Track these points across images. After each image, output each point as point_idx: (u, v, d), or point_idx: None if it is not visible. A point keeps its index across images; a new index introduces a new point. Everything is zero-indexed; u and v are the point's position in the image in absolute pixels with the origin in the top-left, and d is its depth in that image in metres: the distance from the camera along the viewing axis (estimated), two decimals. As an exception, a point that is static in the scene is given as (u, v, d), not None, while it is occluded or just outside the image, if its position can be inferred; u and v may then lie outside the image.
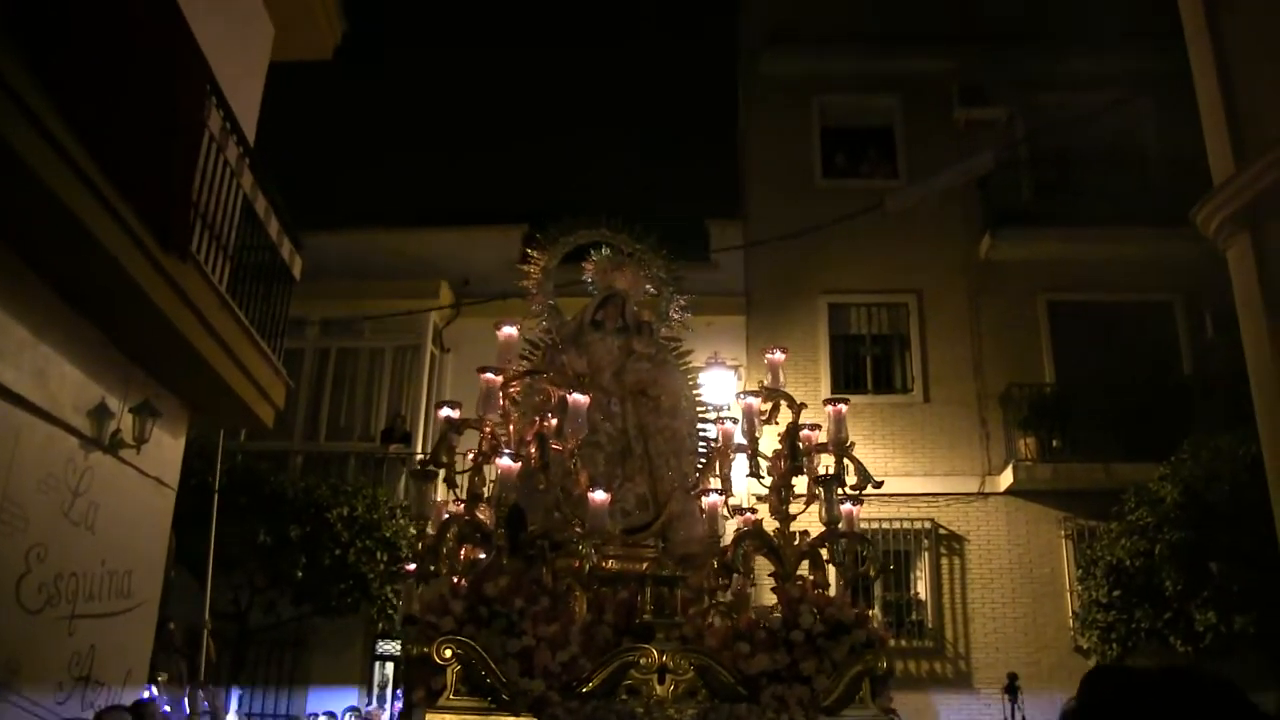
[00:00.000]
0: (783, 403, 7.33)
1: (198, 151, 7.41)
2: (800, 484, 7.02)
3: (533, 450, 6.92)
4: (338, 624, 13.84)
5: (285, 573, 12.52)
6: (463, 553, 6.71)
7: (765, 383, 7.54)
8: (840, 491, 6.83)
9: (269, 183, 9.07)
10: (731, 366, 8.19)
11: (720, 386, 8.07)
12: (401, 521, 12.92)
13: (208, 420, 9.57)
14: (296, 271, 9.94)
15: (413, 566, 7.02)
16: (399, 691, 9.99)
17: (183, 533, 9.79)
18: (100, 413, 7.51)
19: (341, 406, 16.26)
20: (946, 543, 15.47)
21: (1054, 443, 15.37)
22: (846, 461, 6.94)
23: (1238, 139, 8.89)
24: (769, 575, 6.87)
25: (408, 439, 15.41)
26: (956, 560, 15.38)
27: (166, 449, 8.69)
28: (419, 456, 12.73)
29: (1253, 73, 8.89)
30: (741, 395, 7.42)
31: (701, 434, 7.87)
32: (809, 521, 6.93)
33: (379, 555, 12.92)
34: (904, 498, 15.38)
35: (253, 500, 12.46)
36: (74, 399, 7.22)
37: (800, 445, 7.08)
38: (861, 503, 6.99)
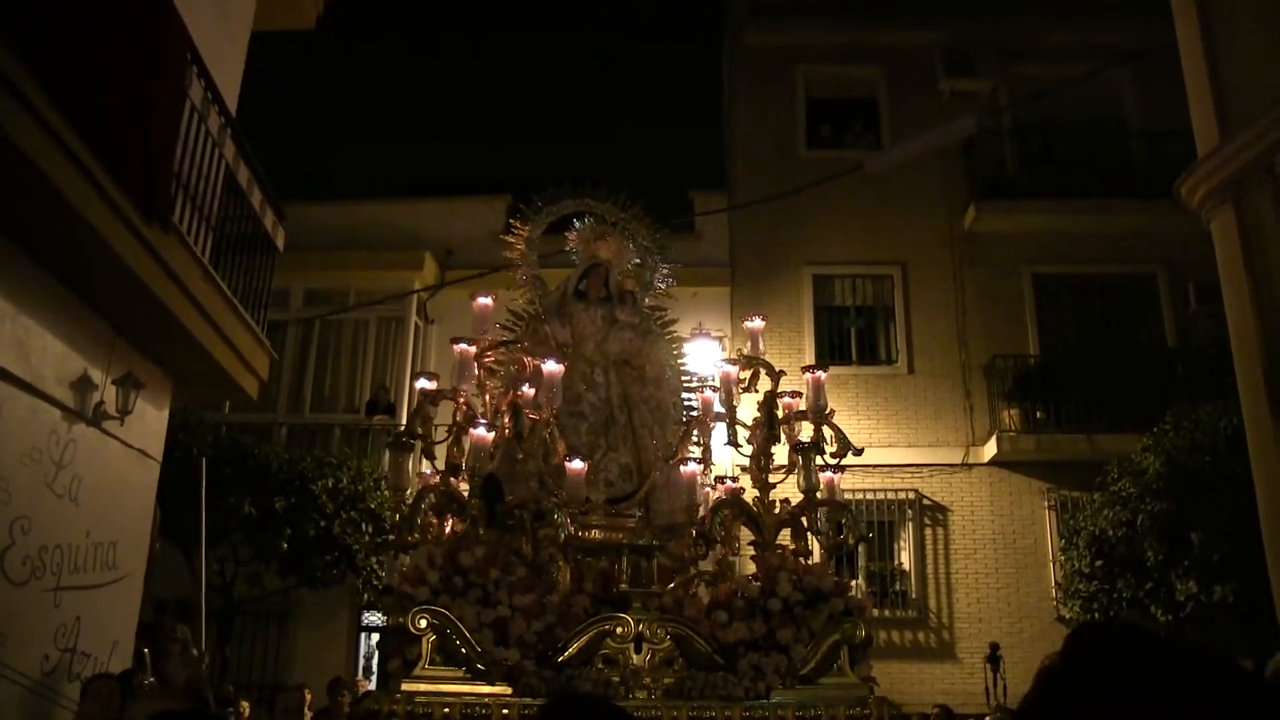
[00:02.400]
0: (762, 371, 7.33)
1: (179, 122, 7.36)
2: (782, 453, 7.03)
3: (507, 420, 6.92)
4: (323, 596, 13.85)
5: (270, 545, 12.50)
6: (449, 525, 6.71)
7: (744, 350, 7.53)
8: (820, 460, 6.83)
9: (251, 153, 9.01)
10: (716, 337, 8.19)
11: (705, 357, 8.07)
12: (386, 493, 12.91)
13: (191, 392, 9.54)
14: (280, 242, 9.90)
15: (394, 537, 7.02)
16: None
17: (167, 505, 9.77)
18: (83, 385, 7.49)
19: (326, 378, 16.24)
20: (930, 513, 15.55)
21: (1038, 414, 15.44)
22: (826, 430, 6.94)
23: (1223, 111, 8.89)
24: (749, 544, 6.87)
25: (392, 410, 15.40)
26: (940, 531, 15.46)
27: (150, 421, 8.66)
28: (401, 428, 12.71)
29: (1238, 44, 8.88)
30: (719, 363, 7.41)
31: (687, 404, 7.86)
32: (792, 491, 6.93)
33: (364, 527, 12.92)
34: (888, 468, 15.44)
35: (237, 472, 12.42)
36: (56, 371, 7.19)
37: (778, 414, 7.07)
38: (842, 471, 6.99)
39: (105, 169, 6.29)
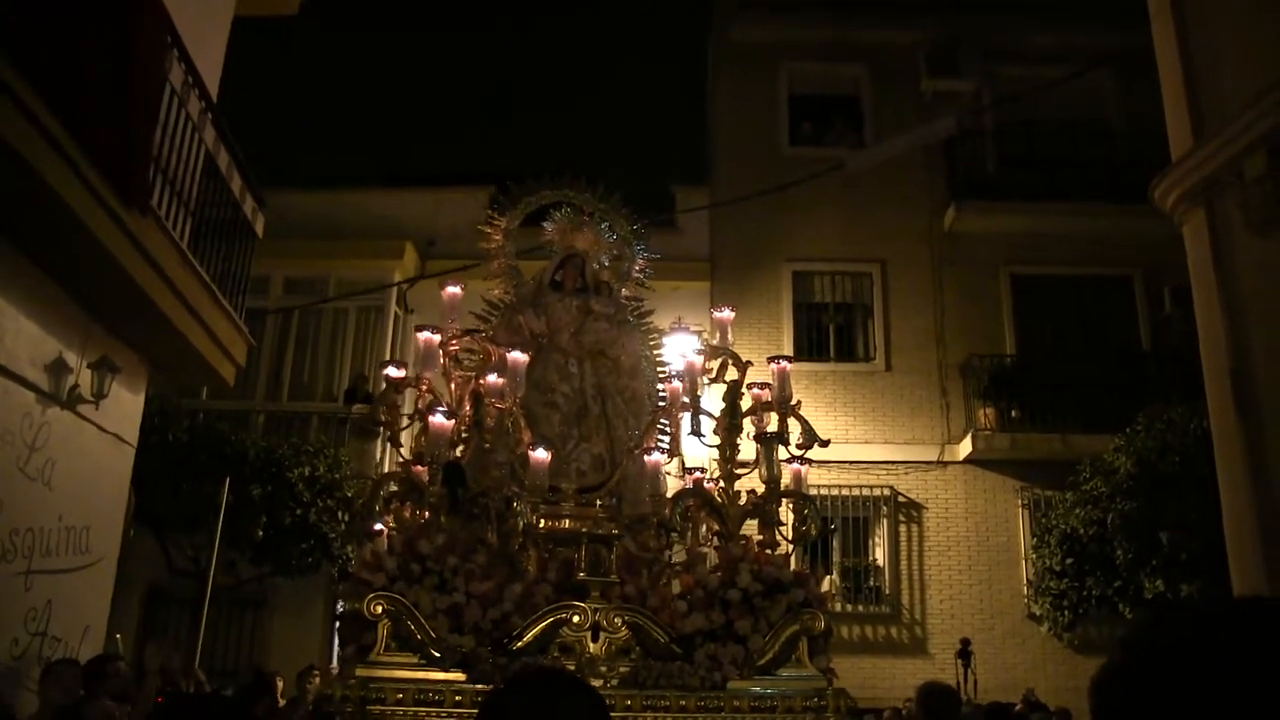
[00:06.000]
0: (730, 362, 7.35)
1: (158, 105, 7.36)
2: (751, 445, 7.03)
3: (468, 409, 6.94)
4: (299, 584, 13.85)
5: (246, 532, 12.51)
6: (425, 513, 6.71)
7: (713, 341, 7.56)
8: (786, 452, 6.85)
9: (231, 138, 9.00)
10: (695, 331, 8.19)
11: (683, 351, 8.08)
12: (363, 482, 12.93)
13: (168, 378, 9.53)
14: (259, 228, 9.90)
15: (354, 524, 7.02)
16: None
17: (142, 490, 9.76)
18: (58, 368, 7.49)
19: (305, 366, 16.23)
20: (905, 510, 15.65)
21: (1013, 413, 15.55)
22: (793, 421, 6.95)
23: (1197, 115, 8.93)
24: (713, 534, 6.88)
25: (370, 399, 15.39)
26: (915, 528, 15.56)
27: (125, 405, 8.66)
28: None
29: (1214, 49, 8.93)
30: (684, 354, 7.41)
31: (661, 395, 7.88)
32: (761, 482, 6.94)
33: (340, 515, 12.93)
34: (864, 465, 15.55)
35: (214, 459, 12.43)
36: (31, 354, 7.18)
37: (740, 405, 7.07)
38: (809, 464, 7.01)
39: (83, 152, 6.29)
